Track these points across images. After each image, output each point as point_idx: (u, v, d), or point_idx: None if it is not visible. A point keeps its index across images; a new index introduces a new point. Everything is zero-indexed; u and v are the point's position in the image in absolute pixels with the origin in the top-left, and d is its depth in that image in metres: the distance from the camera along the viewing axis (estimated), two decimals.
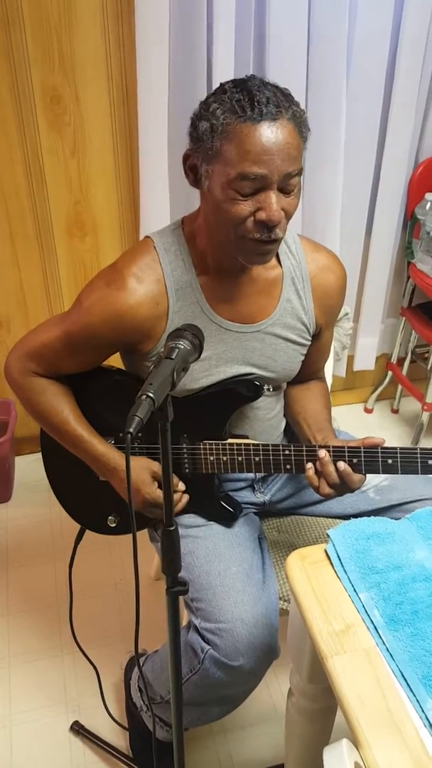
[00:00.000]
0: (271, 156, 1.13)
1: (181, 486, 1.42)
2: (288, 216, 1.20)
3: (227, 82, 1.18)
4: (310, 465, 1.31)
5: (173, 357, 0.99)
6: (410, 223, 2.45)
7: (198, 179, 1.22)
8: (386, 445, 1.30)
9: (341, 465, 1.29)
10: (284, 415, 1.56)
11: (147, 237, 1.35)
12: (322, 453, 1.29)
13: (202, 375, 1.36)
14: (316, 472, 1.31)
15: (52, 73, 1.99)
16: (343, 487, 1.31)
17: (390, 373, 2.80)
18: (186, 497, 1.43)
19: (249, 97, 1.13)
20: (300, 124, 1.17)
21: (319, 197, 2.28)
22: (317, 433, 1.43)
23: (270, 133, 1.12)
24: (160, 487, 1.40)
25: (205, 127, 1.16)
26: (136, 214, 2.23)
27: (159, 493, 1.39)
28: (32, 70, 1.97)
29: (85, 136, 2.10)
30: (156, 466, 1.41)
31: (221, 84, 1.19)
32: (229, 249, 1.25)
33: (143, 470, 1.39)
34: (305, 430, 1.46)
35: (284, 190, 1.17)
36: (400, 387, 2.83)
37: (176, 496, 1.41)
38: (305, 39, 2.03)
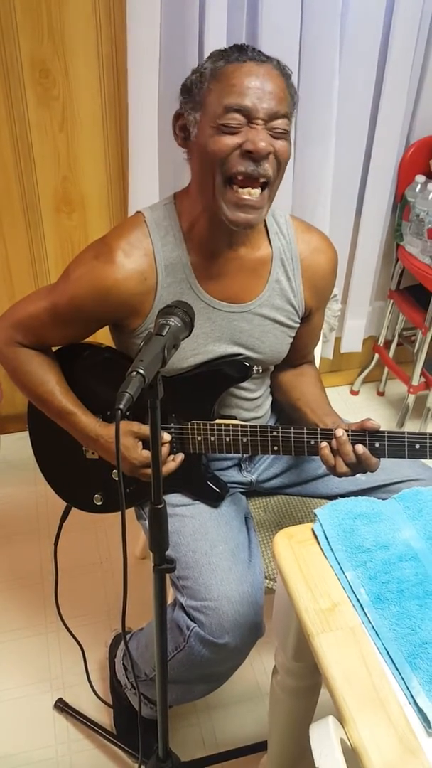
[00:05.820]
0: (256, 90, 1.15)
1: (167, 437, 1.39)
2: (279, 160, 1.19)
3: None
4: (324, 444, 1.31)
5: (164, 334, 0.98)
6: (400, 205, 2.44)
7: (187, 137, 1.23)
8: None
9: (360, 448, 1.28)
10: (281, 401, 1.55)
11: (138, 212, 1.34)
12: (340, 432, 1.29)
13: (190, 354, 1.35)
14: (332, 451, 1.31)
15: (40, 46, 1.95)
16: (358, 468, 1.31)
17: (377, 355, 2.80)
18: (181, 456, 1.40)
19: (237, 47, 1.19)
20: (286, 77, 1.19)
21: (310, 177, 2.26)
22: (325, 417, 1.42)
23: (255, 70, 1.15)
24: (145, 447, 1.38)
25: (194, 78, 1.20)
26: (125, 190, 2.21)
27: (146, 454, 1.37)
28: (20, 42, 1.93)
29: (74, 111, 2.07)
30: (135, 427, 1.37)
31: None
32: (215, 206, 1.22)
33: (125, 435, 1.37)
34: (309, 415, 1.44)
35: (273, 132, 1.17)
36: (386, 369, 2.84)
37: (164, 449, 1.38)
38: (298, 16, 2.00)
